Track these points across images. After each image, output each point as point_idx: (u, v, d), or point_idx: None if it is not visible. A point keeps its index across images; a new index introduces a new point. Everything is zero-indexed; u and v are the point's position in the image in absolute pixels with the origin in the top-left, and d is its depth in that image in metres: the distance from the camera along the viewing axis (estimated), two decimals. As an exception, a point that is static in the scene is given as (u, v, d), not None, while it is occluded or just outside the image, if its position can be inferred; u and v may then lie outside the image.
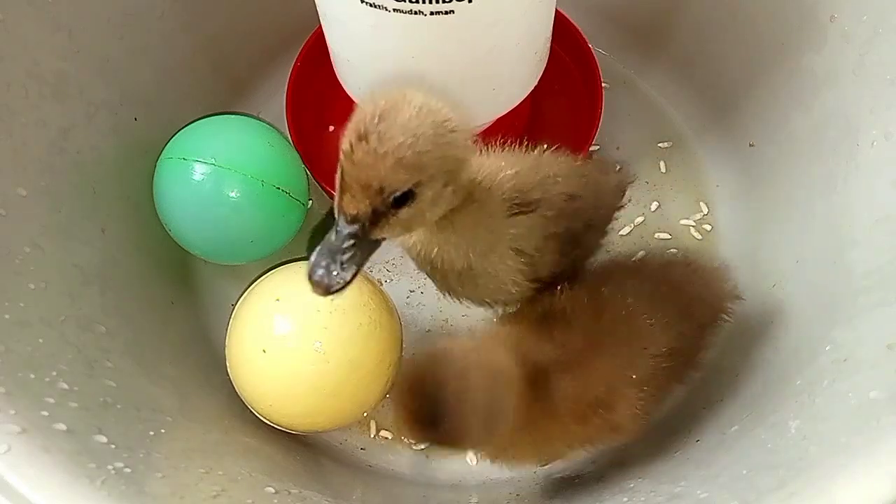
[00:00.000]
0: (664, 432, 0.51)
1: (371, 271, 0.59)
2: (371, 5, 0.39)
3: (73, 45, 0.48)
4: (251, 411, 0.50)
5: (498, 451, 0.41)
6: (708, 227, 0.61)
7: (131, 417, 0.40)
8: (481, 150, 0.41)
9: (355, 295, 0.49)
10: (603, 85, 0.60)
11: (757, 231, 0.58)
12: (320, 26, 0.47)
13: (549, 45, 0.51)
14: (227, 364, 0.50)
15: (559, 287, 0.43)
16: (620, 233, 0.60)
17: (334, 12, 0.44)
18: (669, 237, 0.60)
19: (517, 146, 0.43)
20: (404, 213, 0.33)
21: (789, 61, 0.53)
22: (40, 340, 0.39)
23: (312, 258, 0.33)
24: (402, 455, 0.54)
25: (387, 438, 0.54)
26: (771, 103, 0.56)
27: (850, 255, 0.46)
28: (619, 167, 0.51)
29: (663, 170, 0.63)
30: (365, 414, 0.52)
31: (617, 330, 0.42)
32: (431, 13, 0.39)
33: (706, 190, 0.62)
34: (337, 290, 0.33)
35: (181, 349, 0.52)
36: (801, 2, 0.50)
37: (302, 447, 0.53)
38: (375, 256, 0.59)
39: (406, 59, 0.43)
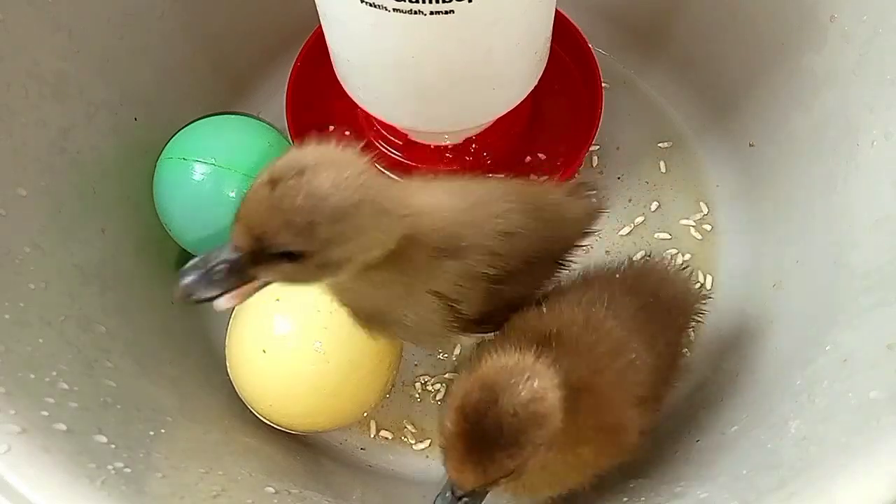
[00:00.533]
0: (664, 432, 0.51)
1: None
2: (371, 5, 0.39)
3: (73, 45, 0.48)
4: (251, 411, 0.50)
5: (517, 484, 0.39)
6: (708, 227, 0.61)
7: (131, 417, 0.40)
8: (417, 185, 0.39)
9: None
10: (603, 85, 0.60)
11: (757, 231, 0.58)
12: (320, 26, 0.47)
13: (549, 44, 0.51)
14: (227, 364, 0.50)
15: (542, 306, 0.42)
16: (620, 233, 0.60)
17: (334, 12, 0.44)
18: (669, 237, 0.60)
19: (460, 174, 0.41)
20: (288, 268, 0.32)
21: (789, 61, 0.53)
22: (40, 340, 0.39)
23: (192, 261, 0.32)
24: (402, 455, 0.54)
25: (387, 438, 0.54)
26: (771, 103, 0.56)
27: (850, 255, 0.46)
28: (591, 194, 0.48)
29: (663, 170, 0.63)
30: (365, 414, 0.51)
31: (616, 351, 0.40)
32: (431, 13, 0.39)
33: (706, 190, 0.62)
34: (192, 300, 0.32)
35: (181, 349, 0.52)
36: (801, 2, 0.50)
37: (302, 447, 0.53)
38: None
39: (406, 59, 0.43)
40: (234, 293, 0.33)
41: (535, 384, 0.33)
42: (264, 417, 0.50)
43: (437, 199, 0.38)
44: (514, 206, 0.41)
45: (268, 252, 0.31)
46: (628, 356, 0.41)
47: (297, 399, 0.48)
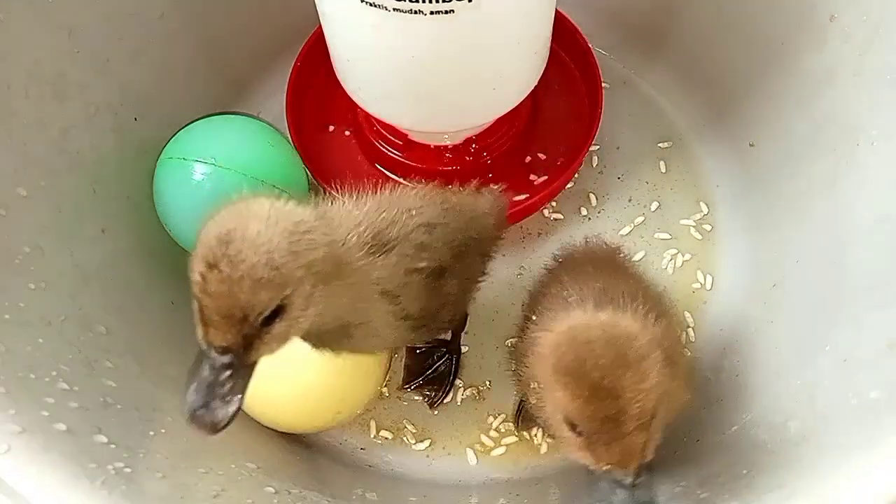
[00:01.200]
0: (664, 432, 0.51)
1: (371, 271, 0.59)
2: (371, 5, 0.39)
3: (73, 45, 0.48)
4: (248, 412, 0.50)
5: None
6: (708, 227, 0.61)
7: (131, 417, 0.40)
8: (330, 203, 0.40)
9: None
10: (603, 85, 0.60)
11: (757, 231, 0.58)
12: (320, 26, 0.47)
13: (549, 44, 0.51)
14: None
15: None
16: (620, 233, 0.60)
17: (334, 12, 0.44)
18: (669, 237, 0.60)
19: (369, 190, 0.42)
20: (277, 328, 0.31)
21: (789, 61, 0.53)
22: (40, 340, 0.39)
23: (189, 398, 0.31)
24: (402, 455, 0.54)
25: (387, 438, 0.54)
26: (771, 103, 0.56)
27: (850, 255, 0.46)
28: (492, 190, 0.49)
29: (663, 170, 0.63)
30: (359, 412, 0.51)
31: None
32: (431, 13, 0.39)
33: (706, 190, 0.62)
34: (224, 427, 0.31)
35: (181, 349, 0.52)
36: (801, 2, 0.50)
37: (302, 447, 0.53)
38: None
39: (406, 59, 0.43)
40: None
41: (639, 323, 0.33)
42: (260, 420, 0.50)
43: (353, 209, 0.39)
44: (425, 203, 0.42)
45: (254, 330, 0.30)
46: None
47: (288, 400, 0.48)
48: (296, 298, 0.31)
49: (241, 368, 0.31)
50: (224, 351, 0.31)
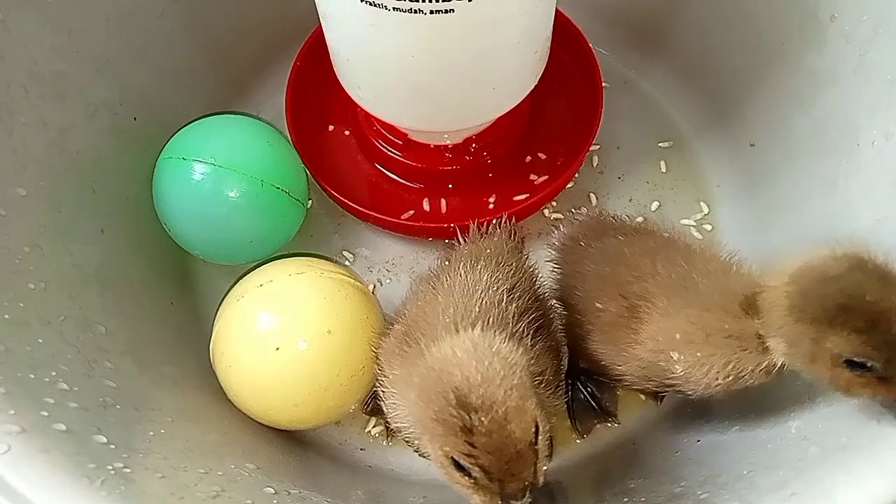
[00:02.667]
0: (664, 432, 0.51)
1: (371, 271, 0.59)
2: (370, 4, 0.39)
3: (73, 45, 0.48)
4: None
5: None
6: (709, 227, 0.61)
7: (131, 417, 0.40)
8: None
9: (336, 293, 0.49)
10: (603, 85, 0.60)
11: (757, 231, 0.58)
12: (320, 26, 0.47)
13: (549, 44, 0.51)
14: (212, 360, 0.50)
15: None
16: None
17: (333, 11, 0.44)
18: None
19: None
20: (541, 441, 0.32)
21: (789, 61, 0.53)
22: (40, 340, 0.39)
23: None
24: (402, 455, 0.54)
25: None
26: (771, 103, 0.56)
27: (850, 255, 0.46)
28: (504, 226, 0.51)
29: (664, 170, 0.63)
30: (352, 408, 0.51)
31: None
32: (431, 12, 0.39)
33: (707, 190, 0.62)
34: None
35: (181, 349, 0.52)
36: (802, 2, 0.50)
37: (302, 447, 0.53)
38: (376, 256, 0.59)
39: (405, 59, 0.43)
40: None
41: None
42: (252, 415, 0.49)
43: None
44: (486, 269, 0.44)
45: (533, 450, 0.31)
46: None
47: (280, 396, 0.47)
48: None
49: (540, 496, 0.32)
50: (524, 491, 0.31)
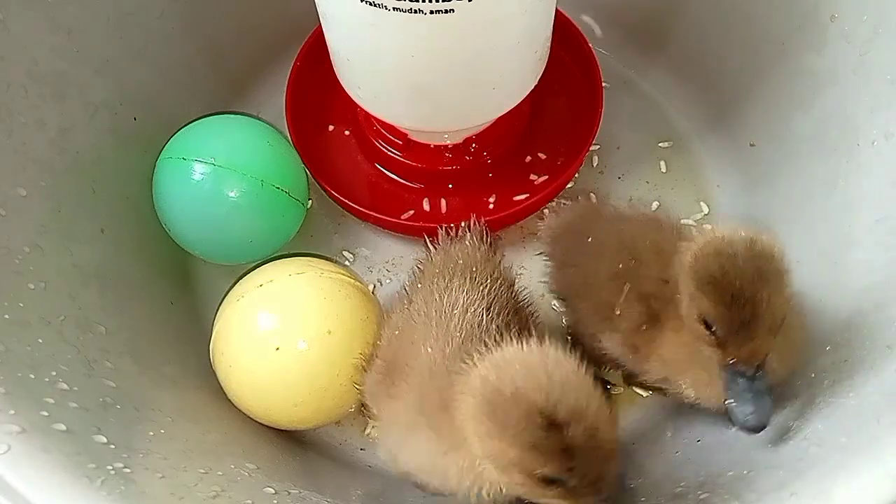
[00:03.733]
0: (664, 432, 0.51)
1: (371, 271, 0.59)
2: (370, 4, 0.39)
3: (73, 45, 0.48)
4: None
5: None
6: (709, 227, 0.60)
7: (131, 417, 0.40)
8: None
9: (336, 293, 0.49)
10: (603, 85, 0.60)
11: (757, 231, 0.58)
12: (320, 26, 0.47)
13: (549, 44, 0.51)
14: (212, 359, 0.50)
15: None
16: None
17: (334, 11, 0.44)
18: (669, 237, 0.60)
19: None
20: None
21: (789, 61, 0.53)
22: (40, 340, 0.39)
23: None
24: (402, 455, 0.54)
25: (387, 438, 0.54)
26: (771, 103, 0.56)
27: (850, 254, 0.46)
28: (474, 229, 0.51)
29: (664, 170, 0.63)
30: (352, 409, 0.51)
31: None
32: (431, 12, 0.39)
33: (707, 190, 0.62)
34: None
35: (181, 349, 0.52)
36: (801, 2, 0.50)
37: (301, 448, 0.53)
38: (376, 256, 0.59)
39: (405, 58, 0.43)
40: None
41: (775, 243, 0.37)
42: (252, 415, 0.49)
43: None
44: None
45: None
46: None
47: (280, 396, 0.47)
48: None
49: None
50: (617, 484, 0.33)
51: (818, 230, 0.50)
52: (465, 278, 0.44)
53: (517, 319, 0.43)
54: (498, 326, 0.41)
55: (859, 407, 0.36)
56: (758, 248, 0.36)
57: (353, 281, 0.51)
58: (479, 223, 0.50)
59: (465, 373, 0.35)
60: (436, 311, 0.42)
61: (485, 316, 0.41)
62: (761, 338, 0.35)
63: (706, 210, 0.61)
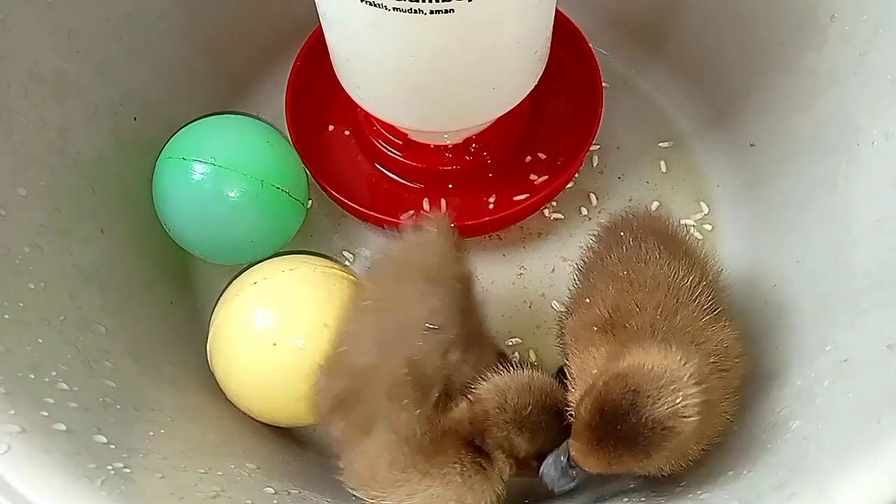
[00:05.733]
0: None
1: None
2: (370, 4, 0.39)
3: (73, 45, 0.48)
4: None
5: None
6: (709, 227, 0.61)
7: (131, 417, 0.40)
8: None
9: (330, 287, 0.49)
10: (603, 85, 0.60)
11: (758, 231, 0.58)
12: (320, 26, 0.47)
13: (549, 44, 0.51)
14: (209, 356, 0.50)
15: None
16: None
17: (333, 11, 0.44)
18: (669, 237, 0.60)
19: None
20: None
21: (789, 61, 0.53)
22: (40, 340, 0.39)
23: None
24: (402, 455, 0.54)
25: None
26: (771, 103, 0.56)
27: (850, 255, 0.46)
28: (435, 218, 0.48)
29: (664, 169, 0.63)
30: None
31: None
32: (431, 12, 0.39)
33: (707, 190, 0.62)
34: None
35: (181, 349, 0.52)
36: (801, 2, 0.50)
37: (301, 447, 0.53)
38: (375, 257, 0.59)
39: (405, 59, 0.43)
40: None
41: (679, 398, 0.33)
42: (252, 413, 0.49)
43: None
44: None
45: None
46: None
47: (279, 393, 0.47)
48: None
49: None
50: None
51: (818, 230, 0.50)
52: (418, 291, 0.42)
53: (472, 329, 0.44)
54: (454, 353, 0.41)
55: (859, 407, 0.36)
56: (656, 412, 0.34)
57: (345, 275, 0.51)
58: (445, 215, 0.47)
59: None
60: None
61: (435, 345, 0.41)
62: (592, 460, 0.36)
63: (706, 210, 0.61)
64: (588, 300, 0.43)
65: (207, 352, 0.50)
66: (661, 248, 0.44)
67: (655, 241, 0.44)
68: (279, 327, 0.47)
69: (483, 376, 0.41)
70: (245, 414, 0.50)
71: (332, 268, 0.51)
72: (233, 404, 0.50)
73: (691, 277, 0.42)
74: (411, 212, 0.58)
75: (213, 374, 0.50)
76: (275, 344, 0.46)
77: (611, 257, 0.45)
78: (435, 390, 0.40)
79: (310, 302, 0.48)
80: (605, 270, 0.44)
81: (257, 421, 0.50)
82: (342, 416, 0.41)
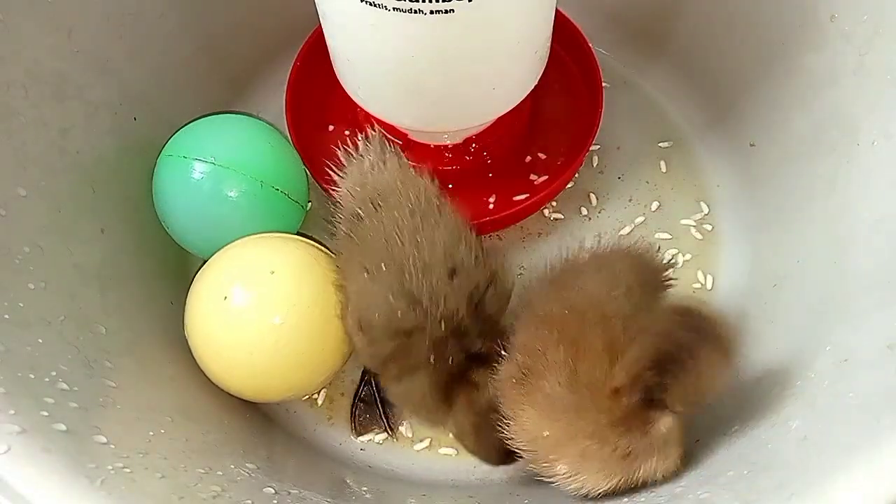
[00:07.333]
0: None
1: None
2: (370, 4, 0.39)
3: (73, 45, 0.48)
4: (250, 410, 0.50)
5: None
6: (709, 227, 0.61)
7: (131, 417, 0.40)
8: None
9: (314, 266, 0.49)
10: (603, 85, 0.60)
11: (757, 231, 0.58)
12: (320, 26, 0.47)
13: (549, 44, 0.51)
14: (185, 327, 0.50)
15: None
16: (621, 232, 0.60)
17: (333, 12, 0.44)
18: (670, 237, 0.60)
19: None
20: None
21: (789, 61, 0.53)
22: (40, 340, 0.39)
23: None
24: (402, 455, 0.54)
25: (386, 438, 0.54)
26: (771, 103, 0.56)
27: (850, 255, 0.46)
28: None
29: (664, 169, 0.63)
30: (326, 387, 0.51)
31: None
32: (431, 12, 0.39)
33: (707, 190, 0.62)
34: None
35: (181, 349, 0.52)
36: (801, 2, 0.50)
37: (302, 448, 0.53)
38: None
39: (406, 59, 0.43)
40: None
41: None
42: (219, 383, 0.49)
43: None
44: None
45: None
46: None
47: (253, 370, 0.47)
48: None
49: None
50: None
51: (818, 230, 0.50)
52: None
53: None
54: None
55: (859, 407, 0.36)
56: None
57: (319, 247, 0.52)
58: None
59: None
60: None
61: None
62: None
63: (706, 210, 0.61)
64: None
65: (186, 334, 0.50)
66: None
67: None
68: (257, 302, 0.47)
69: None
70: (246, 413, 0.50)
71: (304, 241, 0.52)
72: (232, 404, 0.50)
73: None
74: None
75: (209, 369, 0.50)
76: (252, 321, 0.46)
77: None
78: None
79: (286, 273, 0.47)
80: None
81: (258, 420, 0.50)
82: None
